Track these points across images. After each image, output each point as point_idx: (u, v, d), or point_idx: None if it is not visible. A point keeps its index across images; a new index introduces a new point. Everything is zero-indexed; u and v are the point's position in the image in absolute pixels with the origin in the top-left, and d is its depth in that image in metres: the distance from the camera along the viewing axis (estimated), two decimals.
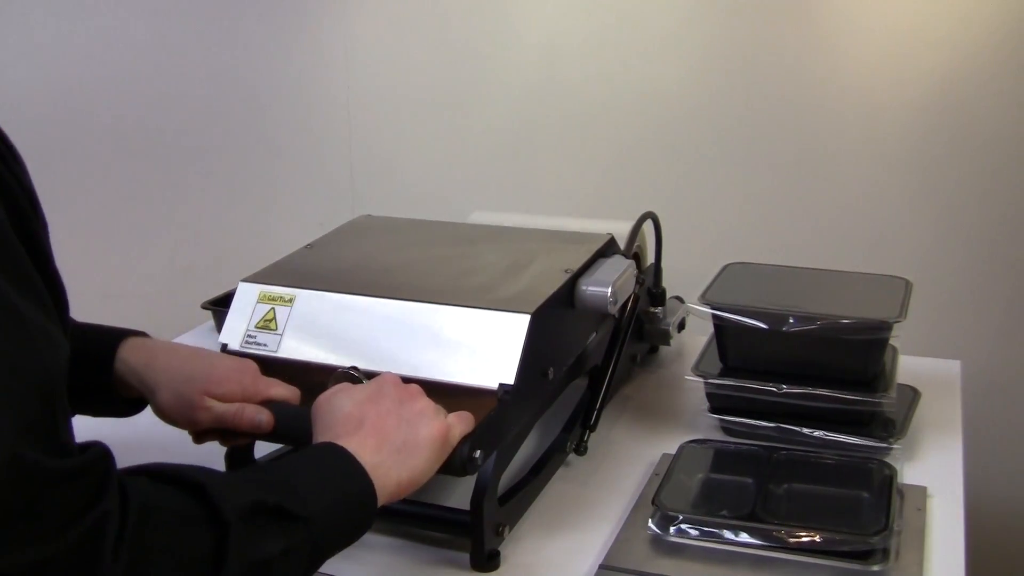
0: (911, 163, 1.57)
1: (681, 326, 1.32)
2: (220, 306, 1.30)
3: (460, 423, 0.85)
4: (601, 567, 0.89)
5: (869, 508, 0.94)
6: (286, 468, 0.76)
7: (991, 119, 1.51)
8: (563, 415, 1.09)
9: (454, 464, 0.83)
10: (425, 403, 0.84)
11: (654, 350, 1.36)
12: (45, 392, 0.59)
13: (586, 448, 1.07)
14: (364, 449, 0.78)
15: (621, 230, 1.26)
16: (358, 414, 0.81)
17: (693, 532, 0.91)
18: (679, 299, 1.33)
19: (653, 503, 0.94)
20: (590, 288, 1.02)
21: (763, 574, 0.87)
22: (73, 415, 0.80)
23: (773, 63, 1.60)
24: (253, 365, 0.94)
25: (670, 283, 1.31)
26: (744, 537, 0.90)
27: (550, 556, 0.93)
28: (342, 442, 0.78)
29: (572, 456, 1.08)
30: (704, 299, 1.13)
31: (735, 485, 1.01)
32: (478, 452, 0.85)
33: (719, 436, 1.12)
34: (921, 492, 0.99)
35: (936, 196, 1.57)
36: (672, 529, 0.92)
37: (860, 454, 1.04)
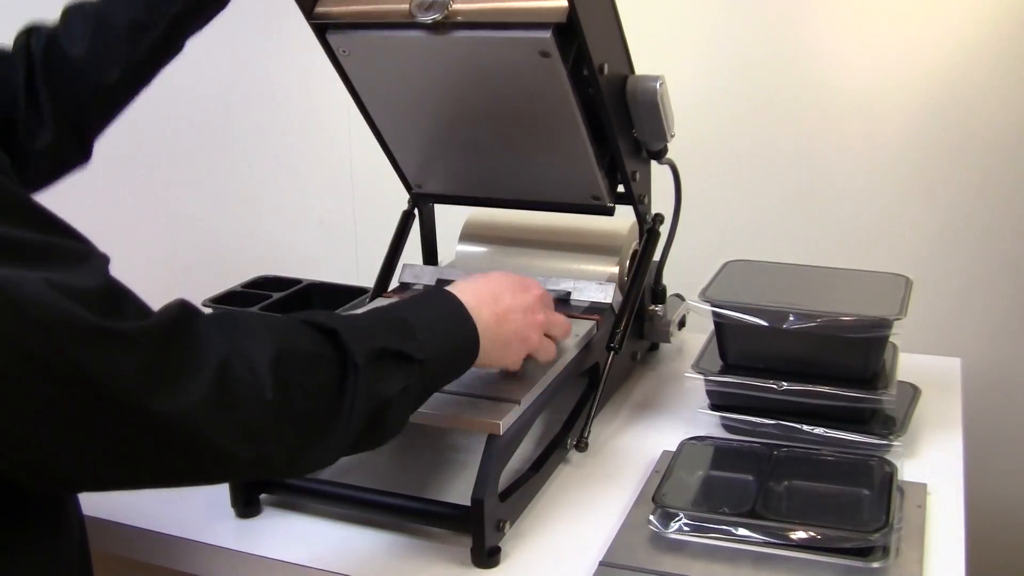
0: (911, 161, 1.57)
1: (681, 324, 1.32)
2: (220, 305, 1.30)
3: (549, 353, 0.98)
4: (601, 564, 0.89)
5: (869, 505, 0.94)
6: (407, 310, 0.84)
7: (991, 117, 1.51)
8: (564, 412, 1.09)
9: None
10: (552, 320, 0.98)
11: (654, 348, 1.36)
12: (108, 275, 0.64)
13: (587, 444, 1.07)
14: (480, 316, 0.88)
15: (622, 229, 1.26)
16: (497, 292, 0.92)
17: (693, 529, 0.91)
18: (679, 296, 1.34)
19: (653, 500, 0.94)
20: None
21: (764, 571, 0.87)
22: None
23: (773, 61, 1.60)
24: None
25: (670, 280, 1.31)
26: (744, 534, 0.90)
27: (550, 552, 0.93)
28: (467, 300, 0.88)
29: (573, 452, 1.08)
30: (704, 296, 1.13)
31: (735, 482, 1.01)
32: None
33: (719, 433, 1.12)
34: (921, 489, 0.99)
35: (936, 194, 1.57)
36: (672, 526, 0.92)
37: (860, 451, 1.04)
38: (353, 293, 1.32)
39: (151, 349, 0.62)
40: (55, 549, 0.74)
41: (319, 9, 1.09)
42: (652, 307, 1.27)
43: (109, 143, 2.00)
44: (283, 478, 0.97)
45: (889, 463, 0.99)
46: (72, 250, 0.64)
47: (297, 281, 1.38)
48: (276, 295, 1.32)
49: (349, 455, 0.79)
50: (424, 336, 0.81)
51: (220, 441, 0.65)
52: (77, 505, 0.79)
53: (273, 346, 0.69)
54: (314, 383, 0.71)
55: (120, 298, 0.64)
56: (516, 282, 0.95)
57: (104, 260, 0.66)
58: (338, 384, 0.73)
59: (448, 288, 0.90)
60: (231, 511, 0.99)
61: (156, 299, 0.67)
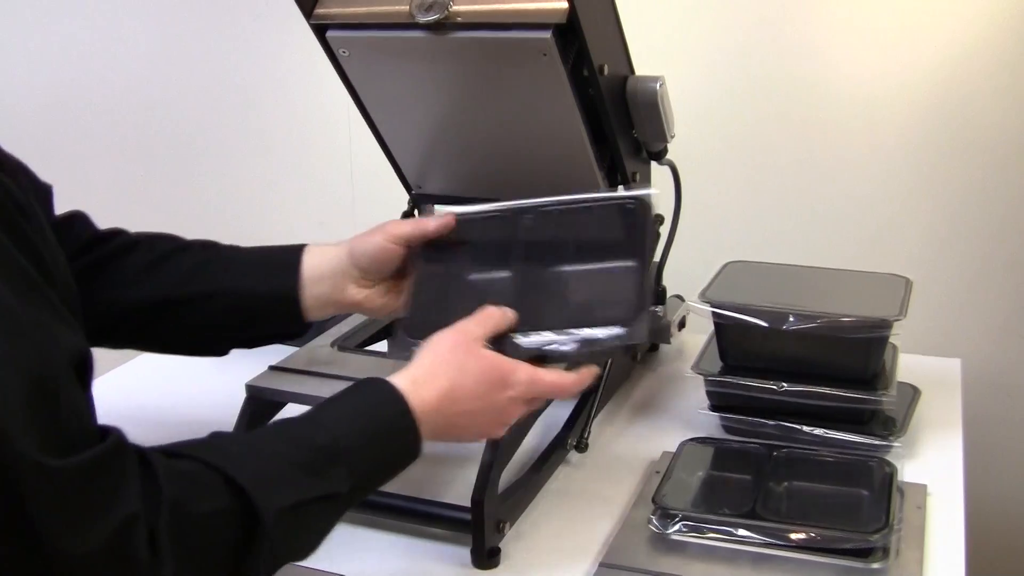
0: (911, 161, 1.57)
1: (681, 324, 1.32)
2: None
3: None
4: (601, 565, 0.89)
5: (869, 506, 0.94)
6: (334, 428, 0.73)
7: (991, 118, 1.51)
8: (563, 412, 1.09)
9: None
10: (518, 414, 0.84)
11: (654, 348, 1.36)
12: (41, 385, 0.58)
13: (587, 445, 1.07)
14: (427, 419, 0.76)
15: None
16: (458, 393, 0.79)
17: (693, 530, 0.91)
18: (679, 297, 1.33)
19: (653, 501, 0.94)
20: None
21: (763, 572, 0.87)
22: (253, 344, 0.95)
23: (774, 61, 1.60)
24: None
25: (670, 281, 1.31)
26: (744, 535, 0.90)
27: (550, 553, 0.93)
28: (416, 402, 0.76)
29: (573, 453, 1.08)
30: (704, 297, 1.13)
31: (735, 483, 1.01)
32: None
33: (719, 434, 1.12)
34: (921, 490, 0.99)
35: (936, 194, 1.57)
36: (672, 527, 0.92)
37: (860, 452, 1.04)
38: None
39: (73, 485, 0.58)
40: None
41: (319, 10, 1.09)
42: (652, 308, 1.27)
43: (109, 143, 2.00)
44: None
45: (889, 464, 0.99)
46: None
47: None
48: None
49: None
50: (354, 460, 0.72)
51: None
52: None
53: (172, 507, 0.62)
54: (216, 544, 0.65)
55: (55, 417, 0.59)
56: (491, 377, 0.81)
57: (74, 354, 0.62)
58: (243, 546, 0.66)
59: (400, 378, 0.78)
60: None
61: None
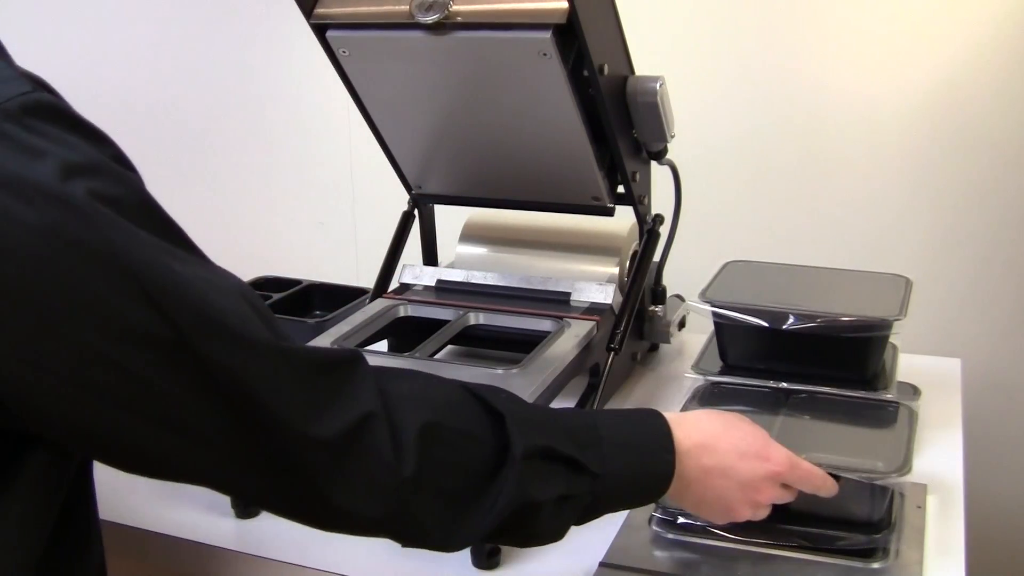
0: (911, 161, 1.57)
1: (681, 324, 1.32)
2: None
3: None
4: (601, 565, 0.89)
5: (869, 505, 0.94)
6: (603, 418, 0.77)
7: (991, 118, 1.51)
8: None
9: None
10: (769, 497, 0.83)
11: (654, 348, 1.36)
12: (250, 296, 0.65)
13: None
14: (684, 458, 0.77)
15: (622, 229, 1.26)
16: (722, 445, 0.79)
17: (693, 530, 0.91)
18: (679, 297, 1.34)
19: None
20: None
21: (764, 571, 0.87)
22: None
23: (773, 61, 1.60)
24: None
25: (670, 281, 1.31)
26: (744, 535, 0.90)
27: (550, 553, 0.93)
28: (679, 434, 0.77)
29: None
30: (704, 297, 1.13)
31: None
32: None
33: None
34: (921, 490, 0.99)
35: (936, 194, 1.57)
36: (673, 527, 0.92)
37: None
38: (352, 294, 1.33)
39: (311, 373, 0.64)
40: (85, 565, 0.75)
41: (319, 10, 1.09)
42: (652, 308, 1.27)
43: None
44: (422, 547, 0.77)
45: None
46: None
47: (297, 282, 1.38)
48: (276, 296, 1.32)
49: (492, 543, 0.78)
50: (610, 450, 0.74)
51: (330, 491, 0.64)
52: (98, 519, 0.79)
53: (424, 416, 0.67)
54: (460, 463, 0.69)
55: (273, 320, 0.66)
56: (754, 445, 0.81)
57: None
58: (489, 471, 0.69)
59: (669, 415, 0.79)
60: (231, 511, 0.99)
61: None
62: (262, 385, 0.61)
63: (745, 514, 0.82)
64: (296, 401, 0.62)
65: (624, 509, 0.80)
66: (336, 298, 1.31)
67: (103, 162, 0.61)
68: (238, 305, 0.62)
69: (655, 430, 0.78)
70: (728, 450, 0.80)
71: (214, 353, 0.60)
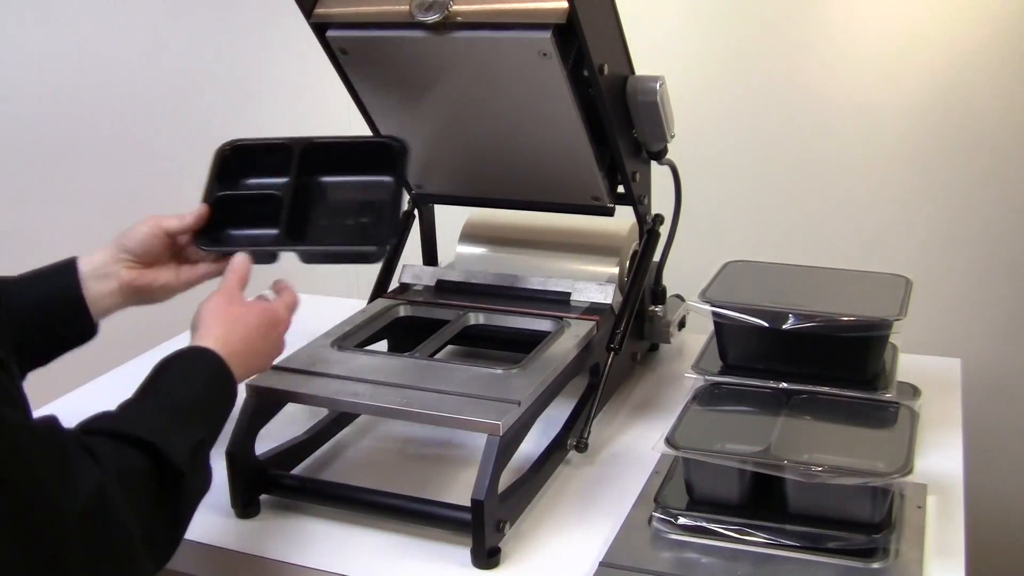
0: (911, 161, 1.57)
1: (681, 324, 1.32)
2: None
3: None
4: (601, 565, 0.89)
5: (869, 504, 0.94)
6: (186, 391, 0.85)
7: (992, 118, 1.51)
8: (563, 412, 1.09)
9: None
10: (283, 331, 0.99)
11: (654, 348, 1.36)
12: None
13: (587, 445, 1.07)
14: (234, 364, 0.90)
15: (622, 229, 1.27)
16: (247, 340, 0.93)
17: (693, 530, 0.91)
18: (679, 297, 1.34)
19: (655, 500, 0.94)
20: None
21: (764, 571, 0.87)
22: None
23: (773, 61, 1.60)
24: None
25: (670, 281, 1.31)
26: (744, 535, 0.90)
27: (551, 553, 0.93)
28: (224, 353, 0.90)
29: (573, 453, 1.08)
30: (704, 297, 1.13)
31: None
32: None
33: None
34: (921, 490, 0.99)
35: (936, 194, 1.57)
36: (673, 526, 0.92)
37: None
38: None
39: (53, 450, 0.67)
40: None
41: (319, 10, 1.09)
42: (652, 308, 1.27)
43: (107, 143, 1.99)
44: None
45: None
46: None
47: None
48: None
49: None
50: (205, 413, 0.85)
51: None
52: None
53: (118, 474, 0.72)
54: (148, 495, 0.75)
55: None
56: (264, 324, 0.96)
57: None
58: (167, 495, 0.76)
59: (204, 339, 0.91)
60: (231, 511, 0.99)
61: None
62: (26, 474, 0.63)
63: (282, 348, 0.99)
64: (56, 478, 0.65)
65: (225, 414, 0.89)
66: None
67: None
68: None
69: (215, 370, 0.88)
70: (254, 339, 0.94)
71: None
